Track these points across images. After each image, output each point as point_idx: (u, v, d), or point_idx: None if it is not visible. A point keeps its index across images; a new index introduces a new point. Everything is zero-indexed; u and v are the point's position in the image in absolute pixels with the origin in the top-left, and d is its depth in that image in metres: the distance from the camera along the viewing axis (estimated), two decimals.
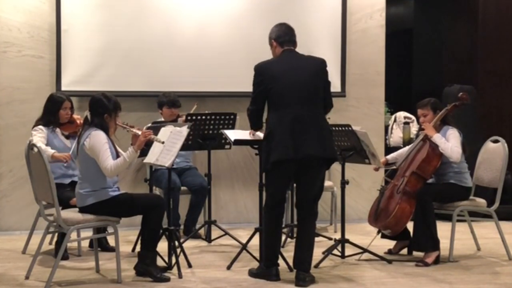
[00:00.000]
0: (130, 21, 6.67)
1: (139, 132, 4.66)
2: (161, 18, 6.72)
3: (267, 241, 4.73)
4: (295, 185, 5.07)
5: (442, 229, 5.37)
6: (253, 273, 4.81)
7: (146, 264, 4.65)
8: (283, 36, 4.73)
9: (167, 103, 6.18)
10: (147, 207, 4.64)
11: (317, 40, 6.98)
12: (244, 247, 5.20)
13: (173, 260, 4.87)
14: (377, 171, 5.67)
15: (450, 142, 5.25)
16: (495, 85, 8.25)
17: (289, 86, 4.55)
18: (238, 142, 5.21)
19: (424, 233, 5.18)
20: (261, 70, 4.64)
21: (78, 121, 5.51)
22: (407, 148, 5.75)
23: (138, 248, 4.86)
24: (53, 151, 5.29)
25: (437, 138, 5.27)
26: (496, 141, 5.61)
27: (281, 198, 4.72)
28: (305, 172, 4.60)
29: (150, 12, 6.71)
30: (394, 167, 5.54)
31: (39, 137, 5.28)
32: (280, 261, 4.83)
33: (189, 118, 5.71)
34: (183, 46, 6.76)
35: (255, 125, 4.81)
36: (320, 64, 4.71)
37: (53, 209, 4.56)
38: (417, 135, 5.72)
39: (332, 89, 6.80)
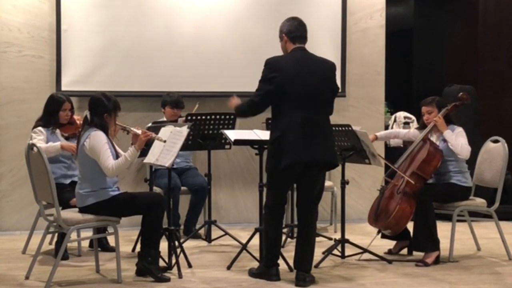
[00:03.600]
0: (130, 21, 6.68)
1: (139, 132, 4.66)
2: (161, 18, 6.73)
3: (268, 241, 4.73)
4: (295, 185, 5.06)
5: (442, 229, 5.37)
6: (253, 273, 4.81)
7: (148, 262, 4.65)
8: (295, 31, 4.63)
9: (171, 103, 6.19)
10: (147, 206, 4.64)
11: (317, 40, 6.95)
12: (244, 247, 5.19)
13: (173, 260, 4.87)
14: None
15: (459, 140, 5.26)
16: (495, 85, 8.25)
17: (303, 90, 4.48)
18: (238, 142, 5.21)
19: (424, 233, 5.18)
20: (275, 67, 4.50)
21: (78, 122, 5.50)
22: (396, 130, 5.81)
23: (138, 248, 4.85)
24: (59, 142, 5.30)
25: (448, 134, 5.29)
26: (496, 141, 5.62)
27: (283, 199, 4.72)
28: (308, 174, 4.59)
29: (150, 12, 6.71)
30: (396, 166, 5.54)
31: (38, 139, 5.25)
32: (280, 261, 4.83)
33: (189, 118, 5.71)
34: (183, 46, 6.76)
35: (247, 113, 4.65)
36: (330, 70, 4.65)
37: (53, 209, 4.56)
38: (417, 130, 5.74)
39: None
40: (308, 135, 4.46)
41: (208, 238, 6.00)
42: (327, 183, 6.52)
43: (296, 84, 4.47)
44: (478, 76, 8.30)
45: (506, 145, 5.51)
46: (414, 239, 5.28)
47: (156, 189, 5.97)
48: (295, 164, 4.46)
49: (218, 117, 5.79)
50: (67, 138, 5.49)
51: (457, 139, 5.28)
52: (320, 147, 4.50)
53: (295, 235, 5.03)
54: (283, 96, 4.48)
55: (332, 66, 4.67)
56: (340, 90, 6.96)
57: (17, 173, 6.55)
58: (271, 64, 4.53)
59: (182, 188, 6.14)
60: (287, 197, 4.85)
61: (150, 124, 5.59)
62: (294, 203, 5.83)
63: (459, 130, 5.36)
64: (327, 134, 4.59)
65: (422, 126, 5.60)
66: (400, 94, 8.95)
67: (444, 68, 9.00)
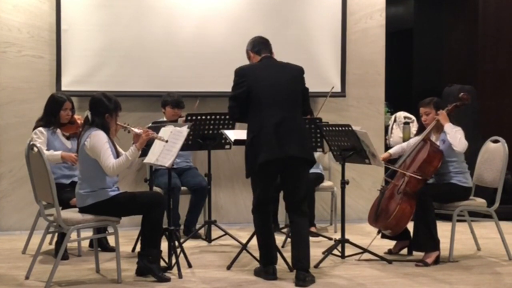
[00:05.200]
0: (130, 21, 6.67)
1: (140, 131, 4.67)
2: (161, 18, 6.73)
3: (260, 241, 4.79)
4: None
5: (442, 229, 5.37)
6: (254, 271, 4.85)
7: (149, 261, 4.65)
8: (258, 45, 4.89)
9: (171, 102, 6.20)
10: (147, 205, 4.64)
11: (317, 40, 6.98)
12: (244, 247, 5.20)
13: (173, 260, 4.88)
14: None
15: (458, 133, 5.27)
16: (495, 85, 8.24)
17: (269, 89, 4.65)
18: (238, 142, 5.21)
19: (424, 233, 5.18)
20: (242, 73, 4.75)
21: (79, 121, 5.50)
22: (405, 143, 5.77)
23: (138, 248, 4.86)
24: (60, 152, 5.30)
25: (449, 127, 5.29)
26: (496, 141, 5.62)
27: (266, 198, 4.75)
28: (289, 174, 4.68)
29: (150, 12, 6.71)
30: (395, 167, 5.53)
31: (39, 143, 5.23)
32: (280, 261, 4.83)
33: (189, 118, 5.72)
34: (183, 46, 6.76)
35: (235, 119, 4.93)
36: (297, 72, 4.81)
37: (53, 209, 4.56)
38: (416, 135, 5.71)
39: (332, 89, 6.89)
40: (280, 133, 4.58)
41: (208, 238, 6.00)
42: (327, 183, 6.52)
43: (263, 86, 4.66)
44: (478, 76, 8.29)
45: (506, 145, 5.51)
46: (414, 239, 5.27)
47: (156, 189, 5.97)
48: (270, 161, 4.58)
49: (218, 117, 5.79)
50: (68, 138, 5.49)
51: (456, 132, 5.29)
52: (293, 143, 4.60)
53: None
54: (253, 98, 4.67)
55: (299, 69, 4.84)
56: (340, 90, 7.09)
57: (17, 173, 6.55)
58: (238, 72, 4.78)
59: (182, 188, 6.15)
60: (272, 196, 4.89)
61: (150, 124, 5.60)
62: None
63: (458, 129, 5.37)
64: (300, 131, 4.70)
65: (419, 130, 5.61)
66: (400, 94, 8.94)
67: (444, 68, 8.99)
